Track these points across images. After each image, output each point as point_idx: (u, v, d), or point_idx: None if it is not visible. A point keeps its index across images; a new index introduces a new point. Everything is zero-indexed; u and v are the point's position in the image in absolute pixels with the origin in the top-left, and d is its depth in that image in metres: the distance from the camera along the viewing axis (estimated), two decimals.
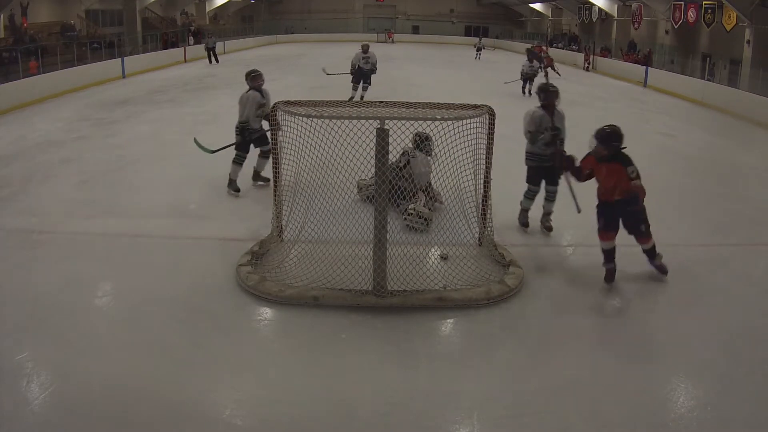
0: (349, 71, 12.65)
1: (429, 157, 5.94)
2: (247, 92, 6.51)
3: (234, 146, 6.56)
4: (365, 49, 12.48)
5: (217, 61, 22.22)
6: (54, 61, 15.11)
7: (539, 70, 14.53)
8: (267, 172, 6.44)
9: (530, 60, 15.18)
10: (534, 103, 5.81)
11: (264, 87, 6.58)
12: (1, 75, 13.27)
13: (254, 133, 6.55)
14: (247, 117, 6.47)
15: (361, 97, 12.28)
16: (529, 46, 20.88)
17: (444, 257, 5.02)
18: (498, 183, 5.40)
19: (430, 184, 5.97)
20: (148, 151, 8.73)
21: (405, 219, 5.70)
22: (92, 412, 3.18)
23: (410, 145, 5.87)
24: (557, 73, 19.81)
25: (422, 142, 5.99)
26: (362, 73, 12.49)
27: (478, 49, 28.13)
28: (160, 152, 8.72)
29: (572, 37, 28.99)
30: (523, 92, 14.90)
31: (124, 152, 8.62)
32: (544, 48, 22.77)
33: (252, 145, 6.63)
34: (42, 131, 10.02)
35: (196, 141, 6.89)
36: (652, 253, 4.87)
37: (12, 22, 18.37)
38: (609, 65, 22.16)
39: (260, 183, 6.82)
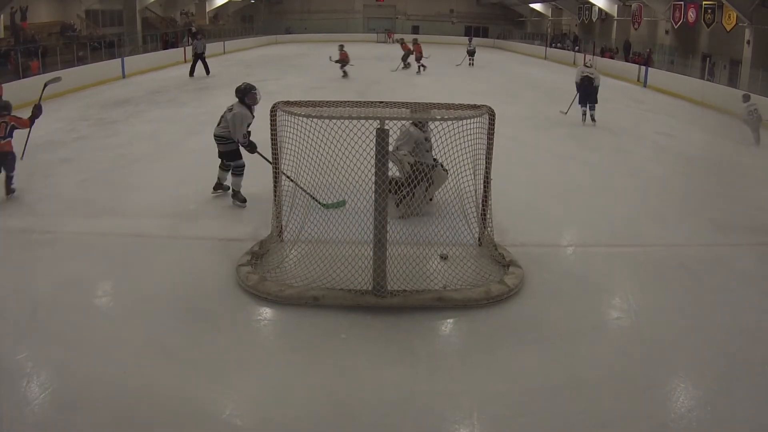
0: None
1: (424, 132, 5.90)
2: (241, 110, 6.10)
3: (227, 158, 6.38)
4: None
5: (207, 71, 18.05)
6: (54, 61, 15.11)
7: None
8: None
9: (745, 100, 10.49)
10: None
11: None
12: (2, 75, 13.27)
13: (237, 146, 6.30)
14: (235, 137, 6.13)
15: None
16: (744, 92, 11.58)
17: (444, 257, 5.02)
18: (498, 183, 5.40)
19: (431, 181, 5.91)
20: (148, 151, 8.73)
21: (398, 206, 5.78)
22: (92, 412, 3.18)
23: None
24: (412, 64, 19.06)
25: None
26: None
27: (470, 54, 23.11)
28: (160, 152, 8.72)
29: (575, 38, 28.93)
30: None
31: (124, 152, 8.62)
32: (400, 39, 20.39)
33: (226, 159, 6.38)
34: (42, 131, 10.00)
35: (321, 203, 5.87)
36: None
37: (13, 23, 18.37)
38: (609, 65, 22.16)
39: (239, 204, 6.34)
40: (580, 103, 11.25)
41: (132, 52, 19.90)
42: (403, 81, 17.27)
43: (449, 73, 20.13)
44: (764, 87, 13.35)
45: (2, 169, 6.44)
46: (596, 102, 11.13)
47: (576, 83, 11.21)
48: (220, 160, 6.52)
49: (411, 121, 5.82)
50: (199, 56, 18.17)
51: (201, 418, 3.18)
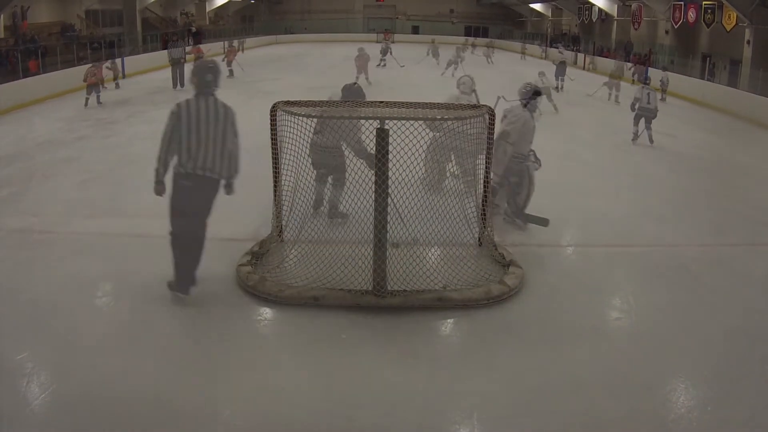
0: None
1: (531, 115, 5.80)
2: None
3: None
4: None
5: (180, 82, 15.15)
6: (54, 61, 15.13)
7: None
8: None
9: (644, 81, 11.17)
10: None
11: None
12: (1, 75, 13.28)
13: None
14: (360, 155, 5.07)
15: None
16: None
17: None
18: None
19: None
20: (148, 151, 8.67)
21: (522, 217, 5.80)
22: (92, 412, 3.17)
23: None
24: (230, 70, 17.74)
25: (528, 95, 5.96)
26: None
27: (384, 52, 21.21)
28: None
29: (574, 37, 28.95)
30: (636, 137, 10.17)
31: (124, 152, 8.62)
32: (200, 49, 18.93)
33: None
34: (42, 131, 10.02)
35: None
36: None
37: (14, 23, 18.38)
38: (609, 65, 22.17)
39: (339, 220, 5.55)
40: (555, 76, 16.52)
41: (132, 52, 19.92)
42: (403, 81, 17.27)
43: (449, 72, 20.10)
44: (764, 87, 13.37)
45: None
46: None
47: (554, 63, 18.20)
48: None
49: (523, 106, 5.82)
50: (175, 63, 15.61)
51: (201, 418, 3.18)
